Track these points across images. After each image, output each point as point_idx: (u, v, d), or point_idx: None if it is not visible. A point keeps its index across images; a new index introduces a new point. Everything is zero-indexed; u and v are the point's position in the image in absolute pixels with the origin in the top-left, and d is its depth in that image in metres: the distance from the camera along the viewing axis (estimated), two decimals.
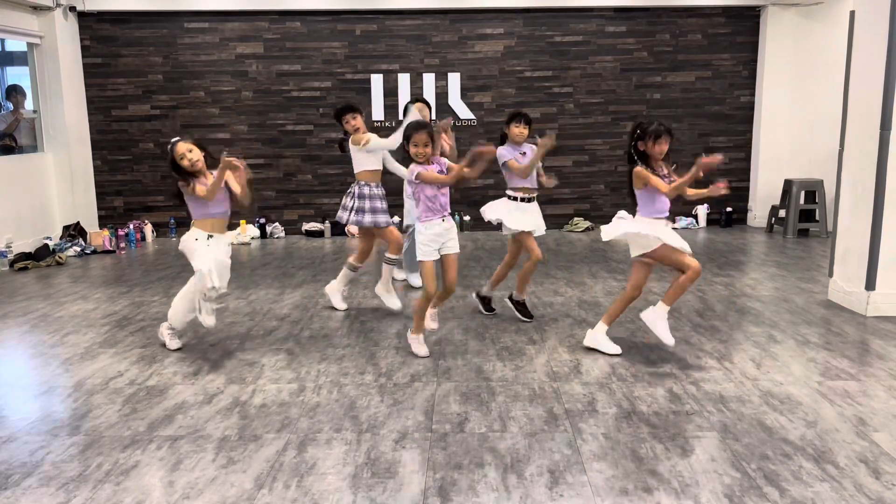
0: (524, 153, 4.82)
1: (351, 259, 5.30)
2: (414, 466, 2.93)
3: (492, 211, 4.91)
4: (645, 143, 4.01)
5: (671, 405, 3.50)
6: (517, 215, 4.82)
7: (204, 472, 2.91)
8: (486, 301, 5.22)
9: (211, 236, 4.26)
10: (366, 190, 5.09)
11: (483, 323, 4.96)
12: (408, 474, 2.87)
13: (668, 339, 4.14)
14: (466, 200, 8.91)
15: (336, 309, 5.32)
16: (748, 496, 2.67)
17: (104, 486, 2.81)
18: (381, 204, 5.12)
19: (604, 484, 2.77)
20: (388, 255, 5.24)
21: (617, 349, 4.26)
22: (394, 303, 5.24)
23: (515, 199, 4.86)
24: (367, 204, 5.06)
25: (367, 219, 5.06)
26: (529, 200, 4.88)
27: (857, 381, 3.79)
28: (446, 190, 4.19)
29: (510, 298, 5.11)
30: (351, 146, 5.13)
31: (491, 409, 3.48)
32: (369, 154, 5.11)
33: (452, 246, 4.22)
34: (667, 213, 4.16)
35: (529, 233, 4.83)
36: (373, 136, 5.08)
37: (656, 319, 4.17)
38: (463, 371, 4.02)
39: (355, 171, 5.18)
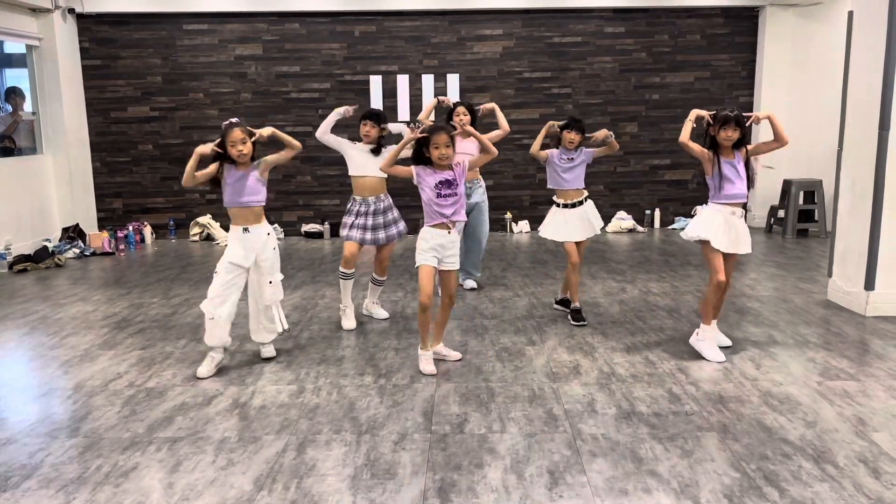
0: (571, 158, 4.91)
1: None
2: (413, 467, 2.93)
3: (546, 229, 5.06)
4: (716, 130, 4.09)
5: (671, 405, 3.50)
6: (554, 224, 4.98)
7: (203, 473, 2.91)
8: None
9: (246, 230, 4.04)
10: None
11: (482, 324, 4.96)
12: (407, 475, 2.86)
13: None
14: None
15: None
16: (748, 496, 2.67)
17: (103, 487, 2.81)
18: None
19: (603, 484, 2.77)
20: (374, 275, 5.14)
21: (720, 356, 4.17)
22: (380, 314, 5.20)
23: (557, 204, 5.00)
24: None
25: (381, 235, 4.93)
26: (572, 206, 4.94)
27: (857, 381, 3.79)
28: (449, 199, 3.93)
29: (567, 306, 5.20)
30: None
31: (490, 410, 3.48)
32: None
33: (452, 263, 4.02)
34: (735, 199, 4.13)
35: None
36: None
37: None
38: (462, 372, 4.01)
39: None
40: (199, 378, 3.99)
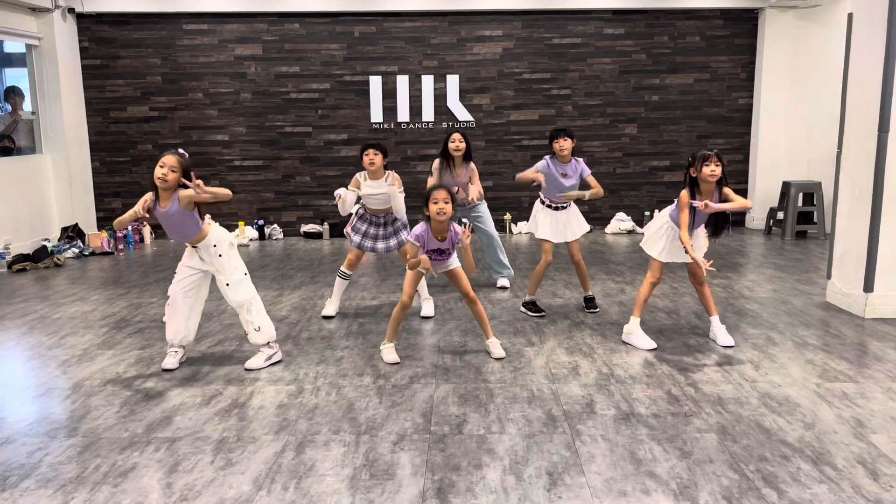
0: (565, 174, 5.02)
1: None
2: (412, 468, 2.92)
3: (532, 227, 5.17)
4: (697, 169, 4.16)
5: (669, 407, 3.51)
6: (542, 221, 5.07)
7: (202, 473, 2.91)
8: (532, 304, 5.26)
9: (195, 247, 4.05)
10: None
11: None
12: (406, 476, 2.86)
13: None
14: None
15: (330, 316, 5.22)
16: (746, 498, 2.67)
17: (102, 487, 2.80)
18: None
19: (602, 485, 2.77)
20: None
21: (652, 344, 4.42)
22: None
23: (544, 203, 5.11)
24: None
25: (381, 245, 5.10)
26: (557, 209, 5.07)
27: (855, 383, 3.79)
28: (437, 262, 4.18)
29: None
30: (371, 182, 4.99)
31: (489, 411, 3.48)
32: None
33: (451, 263, 4.25)
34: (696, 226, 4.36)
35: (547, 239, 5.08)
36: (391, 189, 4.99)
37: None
38: (461, 372, 4.01)
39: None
40: (164, 369, 4.11)
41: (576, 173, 5.04)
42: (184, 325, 4.10)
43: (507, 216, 9.09)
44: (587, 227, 5.20)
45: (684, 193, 4.17)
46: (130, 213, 3.92)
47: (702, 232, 4.41)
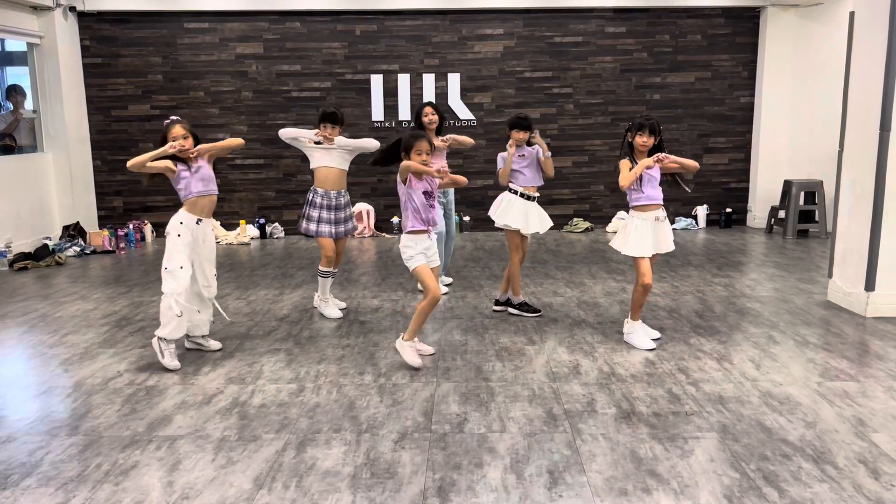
0: (523, 155, 4.98)
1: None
2: (413, 467, 2.93)
3: (501, 215, 4.96)
4: (632, 136, 4.30)
5: (670, 406, 3.50)
6: (513, 211, 4.92)
7: (203, 472, 2.91)
8: (526, 305, 5.19)
9: (199, 221, 4.20)
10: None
11: (482, 323, 4.96)
12: (407, 475, 2.87)
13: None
14: (466, 201, 8.92)
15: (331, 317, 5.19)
16: (747, 497, 2.67)
17: (103, 486, 2.81)
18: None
19: (603, 484, 2.77)
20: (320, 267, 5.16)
21: (650, 344, 4.40)
22: (333, 312, 5.16)
23: (515, 192, 4.98)
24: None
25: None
26: (529, 198, 4.97)
27: (857, 382, 3.79)
28: (433, 209, 4.08)
29: (511, 304, 5.20)
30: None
31: (490, 410, 3.48)
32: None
33: (434, 260, 4.15)
34: (655, 201, 4.34)
35: (518, 231, 4.96)
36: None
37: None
38: (462, 371, 4.01)
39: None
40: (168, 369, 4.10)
41: (530, 153, 5.01)
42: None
43: None
44: (551, 223, 5.09)
45: (624, 161, 4.29)
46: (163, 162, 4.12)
47: (662, 215, 4.36)
